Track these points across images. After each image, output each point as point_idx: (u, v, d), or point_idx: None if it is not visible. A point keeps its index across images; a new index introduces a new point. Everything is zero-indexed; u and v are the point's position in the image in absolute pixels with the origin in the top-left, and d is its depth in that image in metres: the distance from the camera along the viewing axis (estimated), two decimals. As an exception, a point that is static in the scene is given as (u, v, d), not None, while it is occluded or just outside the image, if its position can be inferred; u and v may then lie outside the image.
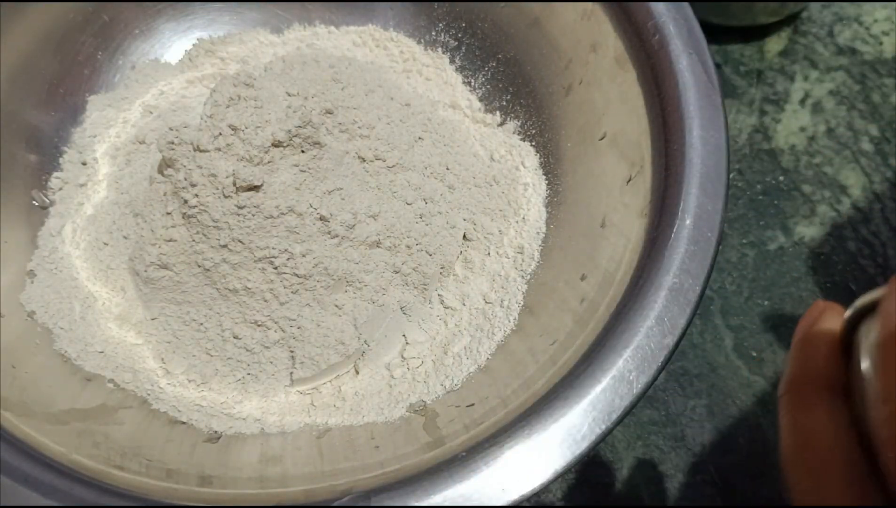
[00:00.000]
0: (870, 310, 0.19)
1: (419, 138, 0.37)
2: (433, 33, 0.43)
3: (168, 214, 0.33)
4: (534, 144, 0.40)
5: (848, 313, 0.21)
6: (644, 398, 0.26)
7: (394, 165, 0.35)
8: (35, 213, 0.37)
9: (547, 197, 0.38)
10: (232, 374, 0.33)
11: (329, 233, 0.32)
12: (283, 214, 0.31)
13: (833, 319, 0.21)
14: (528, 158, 0.39)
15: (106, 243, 0.36)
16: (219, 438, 0.31)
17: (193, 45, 0.43)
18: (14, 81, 0.37)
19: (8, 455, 0.25)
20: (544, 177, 0.38)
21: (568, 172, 0.37)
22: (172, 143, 0.32)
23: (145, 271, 0.33)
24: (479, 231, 0.37)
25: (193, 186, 0.31)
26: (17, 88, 0.37)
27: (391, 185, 0.35)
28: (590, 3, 0.36)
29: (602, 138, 0.35)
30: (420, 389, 0.33)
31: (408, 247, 0.34)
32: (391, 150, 0.35)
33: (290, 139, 0.31)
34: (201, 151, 0.31)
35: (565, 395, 0.26)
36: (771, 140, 0.49)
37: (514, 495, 0.24)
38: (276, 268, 0.32)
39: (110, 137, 0.39)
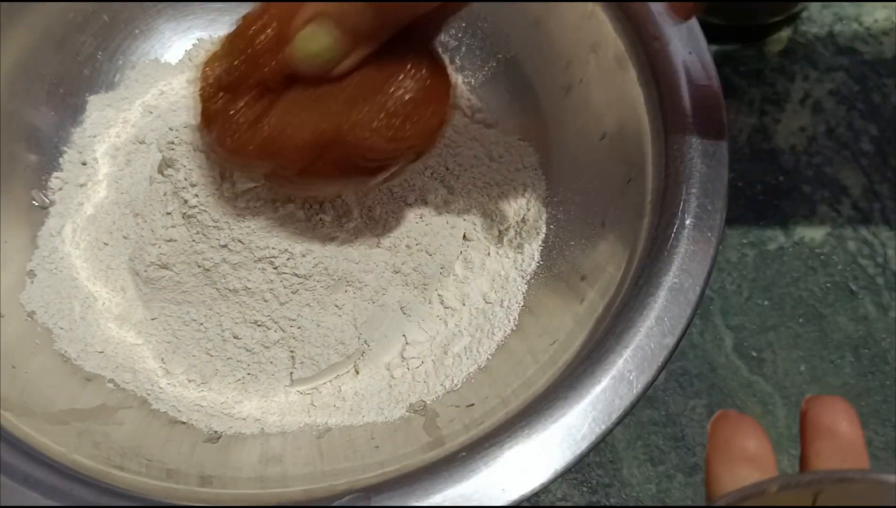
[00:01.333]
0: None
1: None
2: (433, 33, 0.43)
3: (168, 214, 0.33)
4: (534, 144, 0.40)
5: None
6: (644, 398, 0.26)
7: None
8: (35, 213, 0.37)
9: (547, 197, 0.38)
10: (232, 374, 0.33)
11: (330, 233, 0.32)
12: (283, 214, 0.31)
13: None
14: (527, 158, 0.39)
15: (106, 243, 0.36)
16: (219, 438, 0.31)
17: (193, 45, 0.43)
18: (14, 81, 0.37)
19: (8, 455, 0.25)
20: (544, 177, 0.38)
21: (568, 172, 0.37)
22: (172, 143, 0.32)
23: (145, 271, 0.33)
24: (479, 231, 0.37)
25: (193, 186, 0.31)
26: (17, 88, 0.37)
27: (391, 183, 0.35)
28: (590, 4, 0.36)
29: (602, 138, 0.35)
30: (420, 389, 0.33)
31: (408, 247, 0.34)
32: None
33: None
34: (201, 151, 0.31)
35: (565, 395, 0.26)
36: (771, 140, 0.49)
37: (514, 495, 0.24)
38: (276, 268, 0.32)
39: (110, 137, 0.39)
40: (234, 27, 0.26)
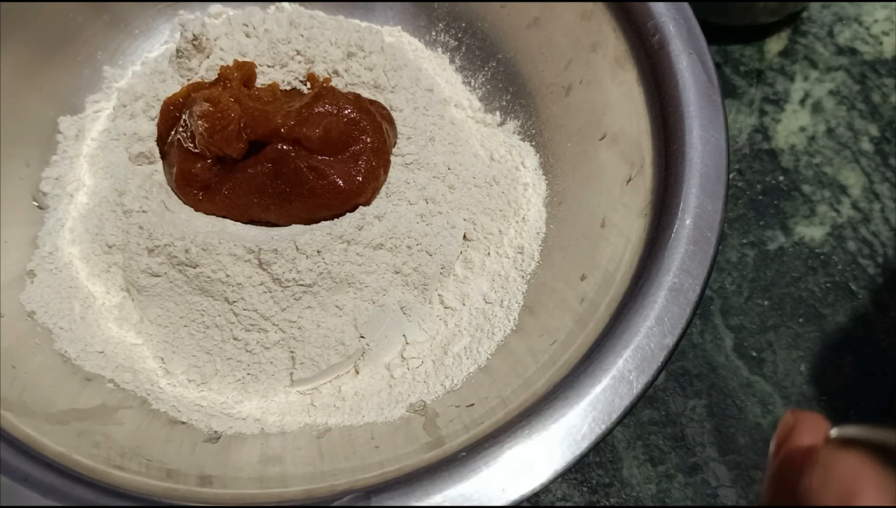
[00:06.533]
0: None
1: (431, 139, 0.37)
2: (433, 33, 0.43)
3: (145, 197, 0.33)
4: (534, 144, 0.40)
5: (833, 432, 0.20)
6: (644, 398, 0.26)
7: (410, 163, 0.36)
8: (35, 213, 0.37)
9: (547, 197, 0.38)
10: (232, 374, 0.33)
11: (340, 238, 0.33)
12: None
13: (809, 434, 0.20)
14: (528, 158, 0.39)
15: (106, 243, 0.36)
16: (219, 438, 0.31)
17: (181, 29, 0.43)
18: (15, 81, 0.37)
19: (8, 455, 0.25)
20: (544, 177, 0.38)
21: (568, 172, 0.37)
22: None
23: (137, 279, 0.33)
24: (479, 231, 0.37)
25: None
26: (17, 87, 0.37)
27: (397, 183, 0.35)
28: (590, 3, 0.36)
29: (602, 138, 0.35)
30: (420, 389, 0.33)
31: (408, 247, 0.34)
32: (409, 144, 0.36)
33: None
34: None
35: (565, 395, 0.26)
36: (771, 140, 0.49)
37: (514, 495, 0.24)
38: (276, 279, 0.32)
39: (109, 136, 0.39)
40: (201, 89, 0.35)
